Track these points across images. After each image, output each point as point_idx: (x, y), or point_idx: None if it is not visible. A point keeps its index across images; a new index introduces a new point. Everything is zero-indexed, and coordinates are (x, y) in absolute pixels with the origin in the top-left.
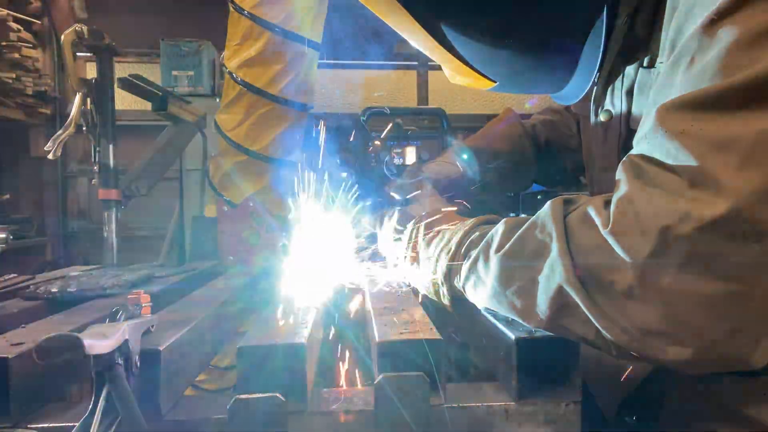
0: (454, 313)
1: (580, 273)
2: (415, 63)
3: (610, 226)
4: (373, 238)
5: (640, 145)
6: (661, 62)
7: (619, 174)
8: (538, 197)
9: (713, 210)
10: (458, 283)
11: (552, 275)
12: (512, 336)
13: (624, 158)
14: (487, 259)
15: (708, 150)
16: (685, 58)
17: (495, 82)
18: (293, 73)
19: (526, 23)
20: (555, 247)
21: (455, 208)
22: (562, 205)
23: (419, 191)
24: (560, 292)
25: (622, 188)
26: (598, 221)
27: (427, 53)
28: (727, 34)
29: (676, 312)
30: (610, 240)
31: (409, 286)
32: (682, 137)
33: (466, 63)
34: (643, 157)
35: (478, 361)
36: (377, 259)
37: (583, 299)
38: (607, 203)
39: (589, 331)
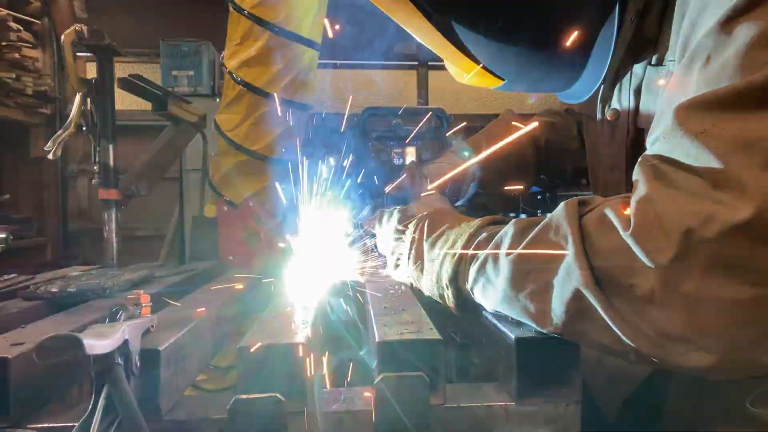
0: (457, 315)
1: (599, 276)
2: (415, 63)
3: (631, 228)
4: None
5: (656, 145)
6: (671, 60)
7: (637, 175)
8: (538, 197)
9: (738, 213)
10: (466, 285)
11: (568, 279)
12: (512, 336)
13: (640, 159)
14: (497, 262)
15: (730, 151)
16: (701, 56)
17: (503, 80)
18: (293, 73)
19: (537, 21)
20: (571, 250)
21: (457, 209)
22: (577, 206)
23: (420, 191)
24: (577, 296)
25: (641, 190)
26: (617, 223)
27: (435, 51)
28: (744, 32)
29: (699, 317)
30: (631, 243)
31: (411, 286)
32: (702, 138)
33: (476, 61)
34: (662, 158)
35: (478, 361)
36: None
37: (601, 304)
38: (626, 205)
39: (607, 337)
